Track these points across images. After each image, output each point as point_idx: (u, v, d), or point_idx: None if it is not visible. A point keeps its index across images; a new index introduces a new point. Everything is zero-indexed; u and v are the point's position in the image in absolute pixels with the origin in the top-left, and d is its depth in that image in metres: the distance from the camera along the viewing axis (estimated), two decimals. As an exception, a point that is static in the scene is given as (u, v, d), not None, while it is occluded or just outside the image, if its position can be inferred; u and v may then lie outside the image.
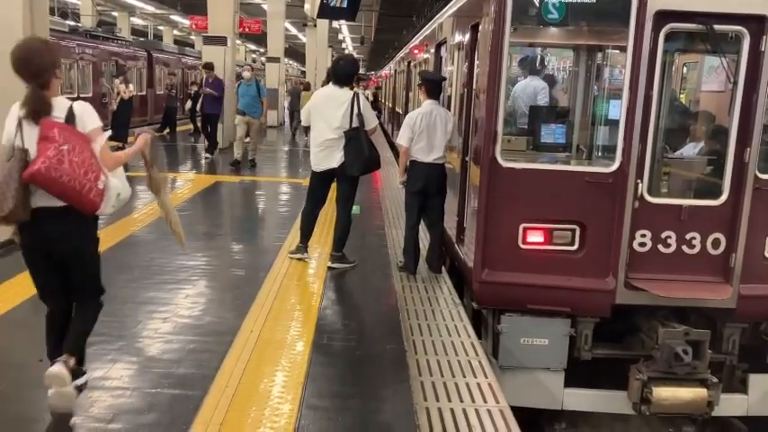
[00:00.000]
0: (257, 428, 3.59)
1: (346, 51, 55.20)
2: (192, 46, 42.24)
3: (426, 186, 6.50)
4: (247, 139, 13.71)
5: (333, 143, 6.43)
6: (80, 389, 3.83)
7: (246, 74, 13.64)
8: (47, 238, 3.56)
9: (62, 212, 3.49)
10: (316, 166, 6.65)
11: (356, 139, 6.32)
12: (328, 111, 6.44)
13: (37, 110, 3.44)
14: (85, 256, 3.76)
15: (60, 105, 3.52)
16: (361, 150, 6.32)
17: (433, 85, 6.71)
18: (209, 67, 15.09)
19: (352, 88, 6.61)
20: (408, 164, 6.53)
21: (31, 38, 3.96)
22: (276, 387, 4.08)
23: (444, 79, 7.53)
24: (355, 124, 6.35)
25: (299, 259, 6.80)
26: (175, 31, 44.99)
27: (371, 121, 6.53)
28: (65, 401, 3.60)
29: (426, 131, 6.39)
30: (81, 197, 3.45)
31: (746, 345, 5.64)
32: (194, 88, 19.37)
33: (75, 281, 3.76)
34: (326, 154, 6.49)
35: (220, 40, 16.02)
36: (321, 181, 6.71)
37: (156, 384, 4.09)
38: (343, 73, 6.56)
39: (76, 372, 3.77)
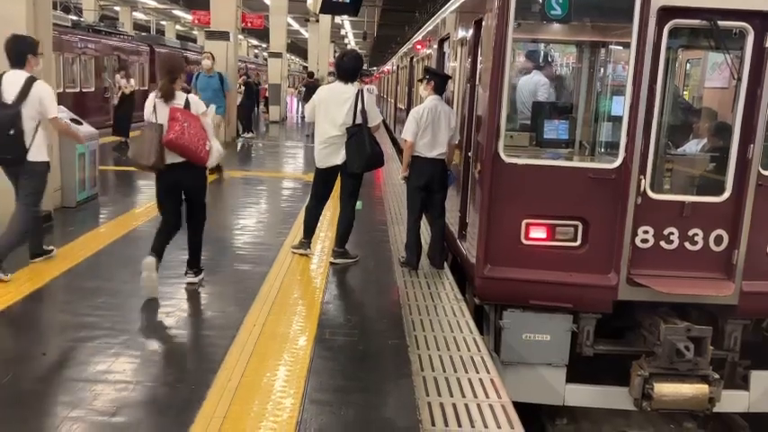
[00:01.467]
0: (260, 422, 3.61)
1: (349, 47, 55.14)
2: (195, 41, 42.21)
3: (429, 182, 6.50)
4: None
5: (337, 140, 6.42)
6: (200, 284, 5.87)
7: (206, 62, 12.10)
8: (174, 181, 5.53)
9: (184, 165, 5.40)
10: (319, 163, 6.65)
11: (358, 135, 6.31)
12: (332, 107, 6.43)
13: (168, 95, 5.38)
14: (199, 191, 5.76)
15: (180, 96, 5.45)
16: (363, 147, 6.31)
17: (441, 81, 6.71)
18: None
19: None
20: (411, 159, 6.53)
21: (171, 53, 6.73)
22: (279, 381, 4.09)
23: (450, 77, 7.53)
24: (359, 121, 6.34)
25: (302, 254, 6.81)
26: (178, 26, 44.96)
27: (375, 117, 6.52)
28: (150, 283, 5.42)
29: (431, 126, 6.39)
30: (196, 155, 5.36)
31: (748, 341, 5.64)
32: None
33: (192, 206, 5.77)
34: (330, 151, 6.49)
35: (223, 35, 15.99)
36: (325, 178, 6.71)
37: (159, 378, 4.12)
38: (347, 68, 6.54)
39: (198, 271, 5.90)
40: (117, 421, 3.57)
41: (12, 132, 5.47)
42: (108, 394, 3.86)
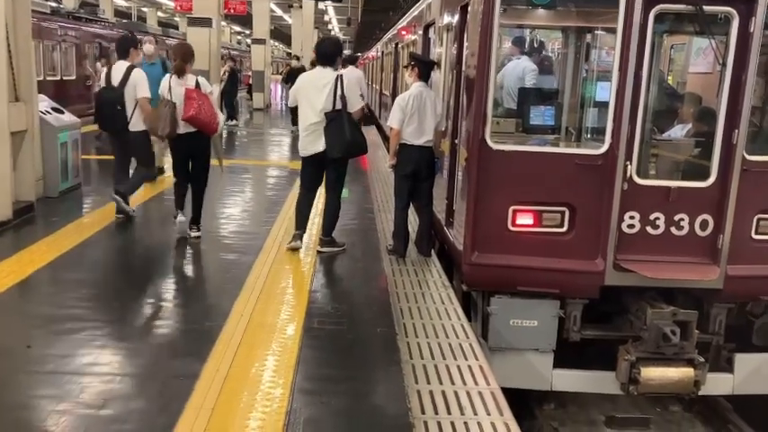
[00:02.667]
0: (249, 413, 3.59)
1: (332, 33, 54.81)
2: (177, 28, 41.73)
3: (417, 169, 6.47)
4: None
5: (318, 127, 6.30)
6: (199, 229, 6.94)
7: (149, 47, 10.08)
8: (185, 147, 6.75)
9: (194, 135, 6.58)
10: (303, 151, 6.56)
11: (337, 120, 6.19)
12: (312, 93, 6.33)
13: (180, 72, 6.58)
14: (205, 156, 6.90)
15: (191, 78, 6.62)
16: (341, 132, 6.18)
17: (426, 68, 6.66)
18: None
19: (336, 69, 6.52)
20: (398, 147, 6.49)
21: (183, 42, 7.78)
22: (267, 371, 4.07)
23: (436, 63, 7.48)
24: (339, 106, 6.22)
25: (295, 249, 6.59)
26: (159, 13, 44.39)
27: (356, 103, 6.41)
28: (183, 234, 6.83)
29: (417, 114, 6.35)
30: (210, 127, 6.58)
31: (733, 325, 5.70)
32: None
33: (196, 167, 6.90)
34: (312, 139, 6.38)
35: (205, 22, 15.76)
36: (311, 165, 6.62)
37: (146, 369, 4.08)
38: (325, 53, 6.45)
39: (198, 228, 6.95)
40: (105, 414, 3.54)
41: (119, 108, 7.22)
42: (95, 387, 3.82)
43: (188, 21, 17.58)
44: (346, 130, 6.20)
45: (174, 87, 6.53)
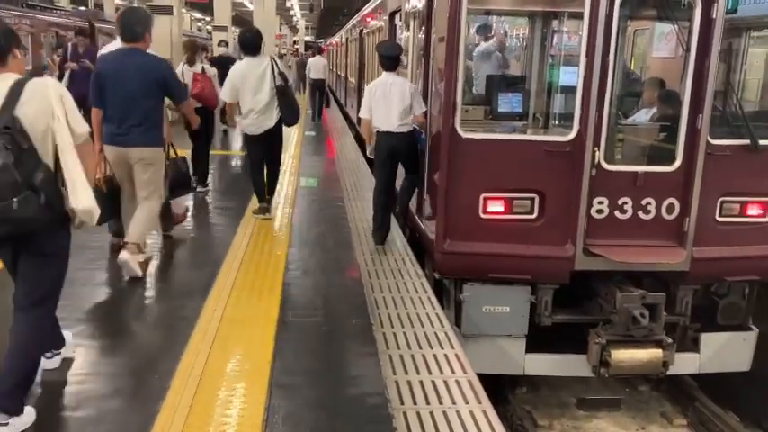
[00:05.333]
0: (227, 410, 3.55)
1: (295, 19, 54.27)
2: (135, 15, 40.75)
3: (391, 155, 6.43)
4: None
5: (269, 105, 6.95)
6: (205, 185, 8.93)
7: None
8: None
9: (199, 109, 7.24)
10: (256, 130, 7.04)
11: (288, 92, 7.07)
12: (254, 80, 6.90)
13: (190, 62, 8.62)
14: (206, 125, 8.26)
15: (198, 65, 8.70)
16: (294, 102, 7.12)
17: (386, 60, 6.59)
18: (83, 33, 12.31)
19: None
20: (375, 134, 6.56)
21: (192, 38, 10.50)
22: (244, 366, 4.04)
23: (400, 51, 7.43)
24: (280, 82, 6.96)
25: (267, 219, 7.21)
26: (117, 0, 43.33)
27: (289, 78, 7.22)
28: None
29: (383, 101, 6.34)
30: (211, 101, 8.51)
31: (698, 305, 5.84)
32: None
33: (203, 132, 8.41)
34: (265, 116, 6.97)
35: (165, 10, 15.48)
36: (260, 143, 7.14)
37: (120, 369, 4.01)
38: (254, 44, 7.07)
39: (205, 184, 9.00)
40: (79, 415, 3.48)
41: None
42: (68, 388, 3.75)
43: (148, 9, 17.20)
44: (294, 101, 7.13)
45: (185, 72, 8.46)
